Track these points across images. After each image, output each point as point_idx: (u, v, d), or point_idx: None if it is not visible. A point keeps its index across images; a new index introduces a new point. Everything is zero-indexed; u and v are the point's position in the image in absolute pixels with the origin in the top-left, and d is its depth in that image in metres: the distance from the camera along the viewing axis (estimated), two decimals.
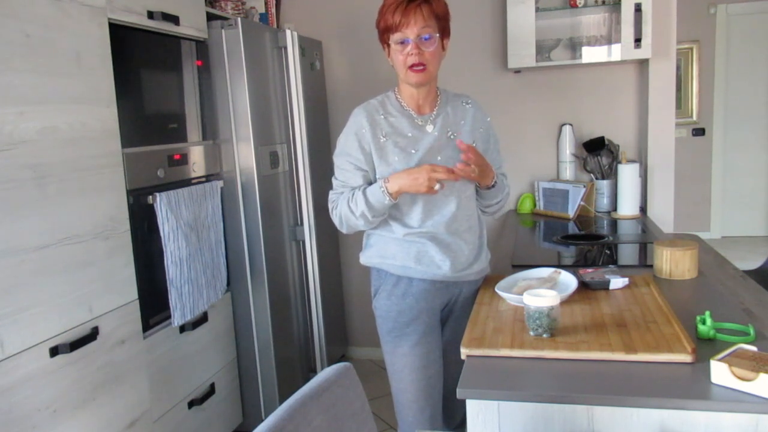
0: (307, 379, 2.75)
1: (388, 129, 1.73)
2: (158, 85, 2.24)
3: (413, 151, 1.71)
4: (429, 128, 1.75)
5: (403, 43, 1.67)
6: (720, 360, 1.18)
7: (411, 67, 1.67)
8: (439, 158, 1.72)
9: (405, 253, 1.74)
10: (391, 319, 1.77)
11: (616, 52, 2.80)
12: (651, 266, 1.98)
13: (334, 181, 1.81)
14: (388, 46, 1.73)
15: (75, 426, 1.75)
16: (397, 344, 1.78)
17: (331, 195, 1.82)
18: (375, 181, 1.74)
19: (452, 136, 1.76)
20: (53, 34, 1.70)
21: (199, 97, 2.46)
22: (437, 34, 1.68)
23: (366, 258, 1.84)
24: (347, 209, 1.73)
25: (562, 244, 2.47)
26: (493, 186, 1.79)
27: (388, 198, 1.66)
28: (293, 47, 2.77)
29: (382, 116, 1.75)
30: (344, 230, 1.80)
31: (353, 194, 1.72)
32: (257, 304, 2.63)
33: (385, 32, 1.71)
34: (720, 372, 1.16)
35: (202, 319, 2.39)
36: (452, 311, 1.86)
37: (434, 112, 1.78)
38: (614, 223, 2.80)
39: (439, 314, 1.83)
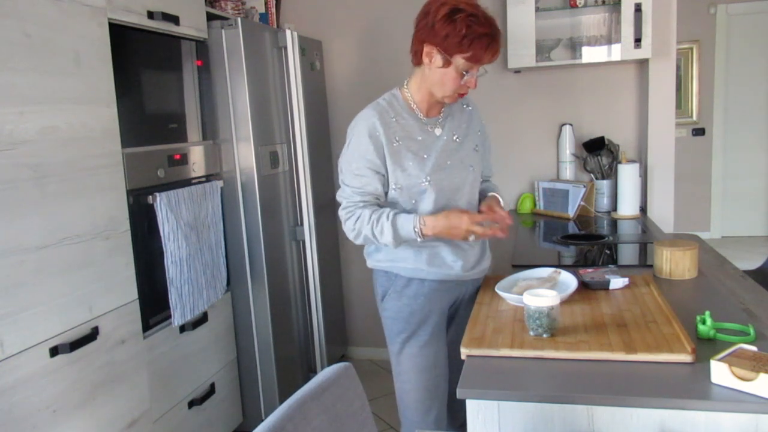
0: (307, 379, 2.75)
1: (400, 133, 1.70)
2: (158, 85, 2.24)
3: (425, 156, 1.70)
4: (437, 132, 1.75)
5: (468, 72, 1.64)
6: (720, 360, 1.18)
7: (461, 93, 1.69)
8: (449, 162, 1.72)
9: (417, 256, 1.73)
10: (403, 320, 1.76)
11: (616, 52, 2.80)
12: (651, 266, 1.98)
13: (346, 189, 1.72)
14: (447, 60, 1.61)
15: (75, 426, 1.75)
16: (406, 345, 1.77)
17: (345, 203, 1.72)
18: (388, 186, 1.71)
19: (458, 140, 1.77)
20: (53, 34, 1.70)
21: (199, 97, 2.46)
22: None
23: (374, 261, 1.81)
24: (370, 233, 1.66)
25: (562, 244, 2.46)
26: None
27: (420, 238, 1.65)
28: (293, 47, 2.77)
29: (393, 119, 1.71)
30: (356, 242, 1.74)
31: (378, 220, 1.65)
32: (257, 304, 2.63)
33: (458, 53, 1.59)
34: (720, 372, 1.16)
35: (202, 319, 2.39)
36: (457, 311, 1.86)
37: (441, 116, 1.78)
38: (614, 223, 2.80)
39: (446, 314, 1.82)
